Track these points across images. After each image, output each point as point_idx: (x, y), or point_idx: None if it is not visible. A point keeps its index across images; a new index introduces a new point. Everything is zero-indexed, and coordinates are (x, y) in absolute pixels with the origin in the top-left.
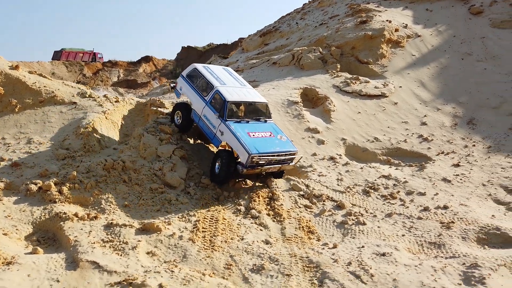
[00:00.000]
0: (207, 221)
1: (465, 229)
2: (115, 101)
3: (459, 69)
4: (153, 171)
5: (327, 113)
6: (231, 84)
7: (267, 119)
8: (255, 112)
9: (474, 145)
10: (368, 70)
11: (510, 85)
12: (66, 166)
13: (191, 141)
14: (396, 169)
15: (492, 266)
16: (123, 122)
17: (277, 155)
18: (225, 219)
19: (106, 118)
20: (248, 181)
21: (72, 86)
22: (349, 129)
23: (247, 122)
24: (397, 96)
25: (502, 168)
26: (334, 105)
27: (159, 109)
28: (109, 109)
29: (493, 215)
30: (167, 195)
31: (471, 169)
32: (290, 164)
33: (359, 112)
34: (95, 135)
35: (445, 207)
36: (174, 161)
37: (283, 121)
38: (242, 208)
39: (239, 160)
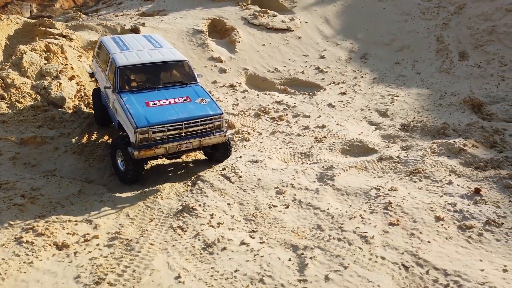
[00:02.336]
0: (93, 136)
1: (333, 142)
2: None
3: (361, 7)
4: (37, 90)
5: (232, 44)
6: (137, 48)
7: (189, 83)
8: (169, 75)
9: (362, 77)
10: (278, 5)
11: (403, 24)
12: None
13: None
14: (290, 97)
15: (344, 168)
16: (7, 42)
17: (185, 124)
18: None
19: None
20: None
21: None
22: (252, 59)
23: (154, 89)
24: (302, 31)
25: (381, 95)
26: (240, 36)
27: (48, 29)
28: None
29: (361, 132)
30: (50, 113)
31: (354, 96)
32: (216, 134)
33: (264, 45)
34: None
35: (323, 126)
36: (62, 81)
37: (186, 49)
38: None
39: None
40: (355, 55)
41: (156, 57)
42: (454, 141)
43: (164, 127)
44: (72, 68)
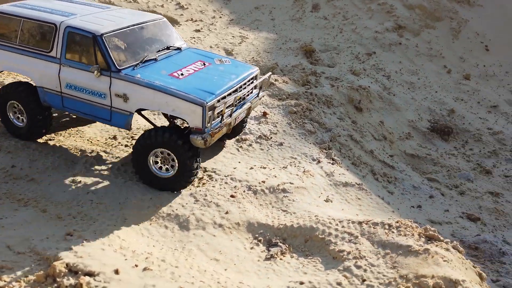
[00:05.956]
0: None
1: None
2: None
3: None
4: None
5: None
6: (83, 12)
7: (180, 46)
8: (156, 40)
9: (220, 17)
10: None
11: None
12: None
13: None
14: None
15: None
16: None
17: (240, 88)
18: None
19: None
20: None
21: None
22: None
23: (155, 60)
24: None
25: (232, 36)
26: None
27: None
28: None
29: None
30: None
31: (208, 35)
32: (260, 95)
33: None
34: None
35: None
36: None
37: None
38: None
39: (186, 127)
40: None
41: (131, 19)
42: (268, 76)
43: (229, 93)
44: None
